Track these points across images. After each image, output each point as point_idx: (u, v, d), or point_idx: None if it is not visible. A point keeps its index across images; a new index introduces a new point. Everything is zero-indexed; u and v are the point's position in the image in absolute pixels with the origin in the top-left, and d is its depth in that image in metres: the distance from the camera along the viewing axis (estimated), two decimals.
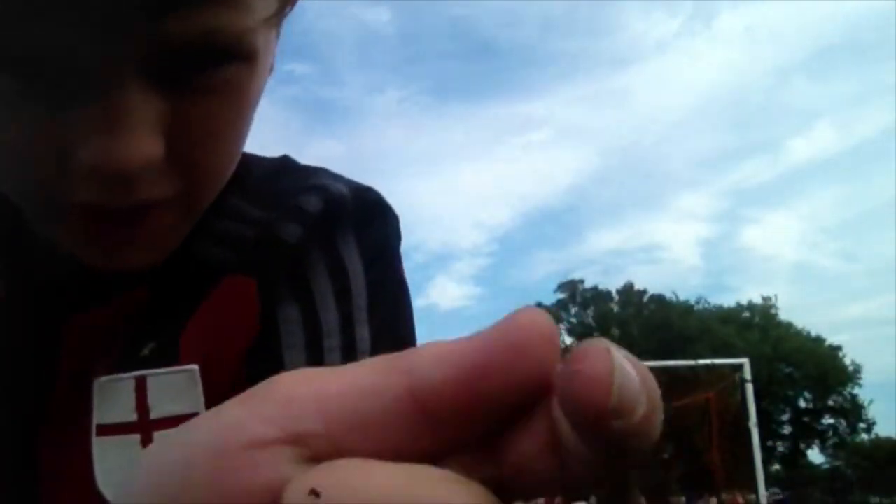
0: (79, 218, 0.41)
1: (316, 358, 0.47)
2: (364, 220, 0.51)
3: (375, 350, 0.48)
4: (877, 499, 26.33)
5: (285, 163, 0.56)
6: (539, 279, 53.04)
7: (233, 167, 0.47)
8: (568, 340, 34.44)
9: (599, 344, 0.16)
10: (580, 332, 33.79)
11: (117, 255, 0.43)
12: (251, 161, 0.54)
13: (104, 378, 0.45)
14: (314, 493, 0.15)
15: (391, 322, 0.51)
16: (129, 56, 0.37)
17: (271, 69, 0.48)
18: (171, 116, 0.39)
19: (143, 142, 0.38)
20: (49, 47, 0.36)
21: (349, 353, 0.47)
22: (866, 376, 32.78)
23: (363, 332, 0.48)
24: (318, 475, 0.15)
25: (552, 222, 54.84)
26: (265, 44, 0.42)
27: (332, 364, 0.46)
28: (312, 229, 0.49)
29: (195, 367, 0.45)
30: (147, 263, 0.44)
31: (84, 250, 0.43)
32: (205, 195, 0.45)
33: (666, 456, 32.06)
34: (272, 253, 0.48)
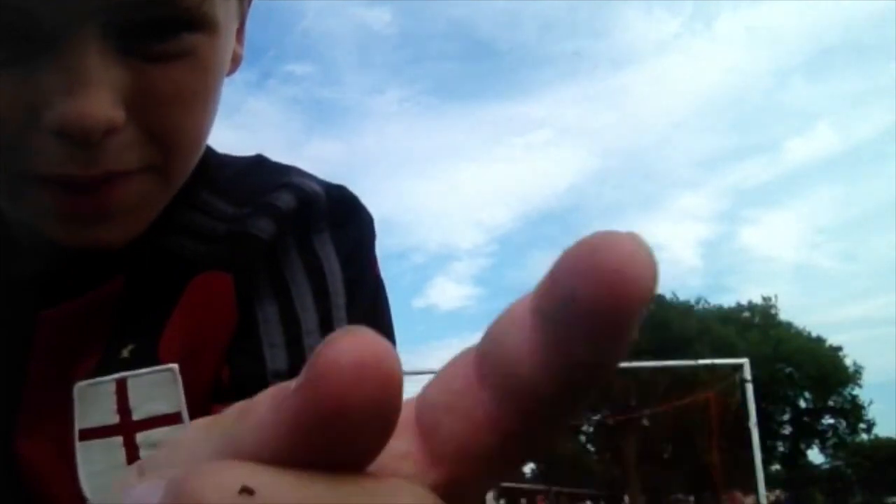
0: (48, 190, 0.41)
1: (297, 356, 0.47)
2: (339, 219, 0.52)
3: None
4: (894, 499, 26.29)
5: (259, 161, 0.56)
6: (539, 279, 52.92)
7: (203, 140, 0.47)
8: None
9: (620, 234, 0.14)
10: None
11: (91, 230, 0.43)
12: (224, 159, 0.55)
13: (84, 382, 0.45)
14: (247, 490, 0.13)
15: (370, 319, 0.51)
16: (87, 18, 0.37)
17: (241, 49, 0.50)
18: (133, 85, 0.40)
19: (104, 104, 0.38)
20: (7, 8, 0.37)
21: None
22: (866, 376, 32.79)
23: None
24: (245, 471, 0.13)
25: (552, 223, 54.82)
26: (225, 14, 0.43)
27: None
28: (285, 226, 0.49)
29: (175, 366, 0.45)
30: (123, 238, 0.44)
31: (56, 226, 0.43)
32: (177, 167, 0.45)
33: (666, 456, 32.06)
34: (246, 248, 0.48)
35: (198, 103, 0.43)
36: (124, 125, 0.40)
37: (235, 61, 0.51)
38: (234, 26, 0.47)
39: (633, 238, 0.14)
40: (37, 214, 0.43)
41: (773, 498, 24.57)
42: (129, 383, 0.45)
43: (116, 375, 0.45)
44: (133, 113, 0.40)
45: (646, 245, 0.14)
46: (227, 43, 0.45)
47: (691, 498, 28.73)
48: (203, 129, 0.46)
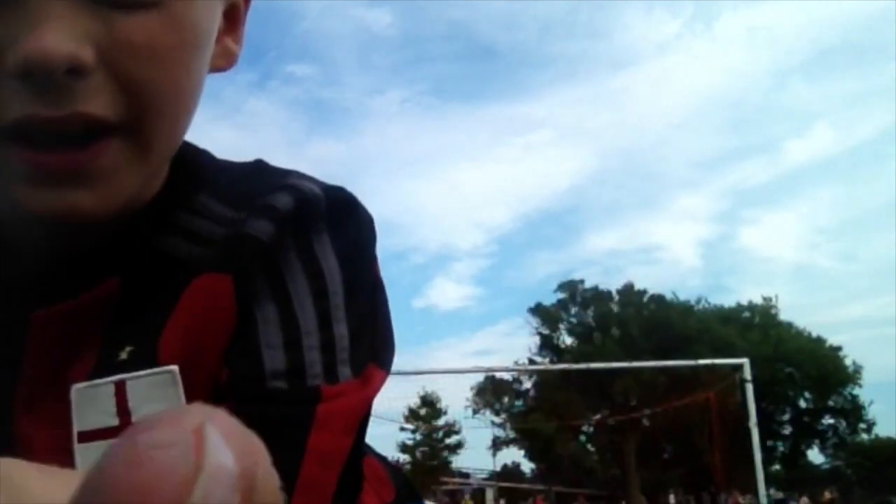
0: (18, 147, 0.40)
1: (296, 357, 0.47)
2: (337, 219, 0.51)
3: (354, 347, 0.48)
4: None
5: (258, 165, 0.56)
6: (539, 279, 53.04)
7: (183, 112, 0.46)
8: (568, 340, 34.47)
9: (183, 419, 0.11)
10: (580, 332, 33.79)
11: (65, 194, 0.42)
12: (223, 164, 0.55)
13: (81, 385, 0.45)
14: None
15: (369, 319, 0.51)
16: None
17: (236, 47, 0.51)
18: (102, 32, 0.40)
19: (66, 39, 0.38)
20: None
21: (328, 352, 0.47)
22: (866, 376, 32.78)
23: (342, 331, 0.48)
24: None
25: (552, 223, 54.88)
26: None
27: (311, 362, 0.47)
28: (284, 227, 0.49)
29: (175, 368, 0.45)
30: (100, 208, 0.43)
31: (29, 191, 0.42)
32: (152, 131, 0.43)
33: (666, 456, 32.04)
34: (246, 250, 0.48)
35: (172, 61, 0.43)
36: (94, 70, 0.40)
37: (228, 58, 0.51)
38: (217, 5, 0.47)
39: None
40: (9, 179, 0.42)
41: (828, 496, 24.35)
42: (129, 385, 0.45)
43: (115, 377, 0.45)
44: (103, 60, 0.40)
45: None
46: (204, 10, 0.45)
47: (691, 498, 28.70)
48: (180, 94, 0.45)
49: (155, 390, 0.45)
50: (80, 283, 0.47)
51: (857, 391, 32.69)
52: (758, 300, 34.96)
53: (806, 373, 31.83)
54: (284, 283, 0.48)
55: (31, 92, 0.39)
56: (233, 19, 0.51)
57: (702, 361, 18.65)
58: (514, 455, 40.44)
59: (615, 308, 33.71)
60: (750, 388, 13.33)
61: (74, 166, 0.41)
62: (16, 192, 0.42)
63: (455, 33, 54.09)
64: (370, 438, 0.52)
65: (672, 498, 28.98)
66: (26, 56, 0.38)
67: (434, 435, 33.55)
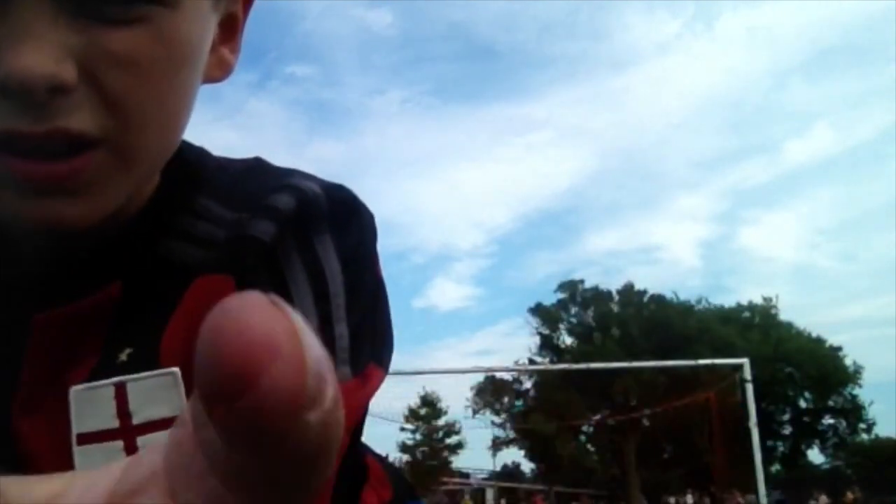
0: (3, 153, 0.40)
1: None
2: (339, 219, 0.51)
3: (354, 347, 0.49)
4: None
5: (257, 164, 0.55)
6: (539, 279, 53.01)
7: (169, 125, 0.46)
8: (568, 340, 34.45)
9: (261, 299, 0.10)
10: (580, 332, 33.77)
11: (51, 204, 0.42)
12: (222, 162, 0.55)
13: (80, 386, 0.45)
14: None
15: (370, 319, 0.51)
16: None
17: (232, 58, 0.51)
18: (85, 47, 0.40)
19: (48, 58, 0.38)
20: None
21: (328, 351, 0.50)
22: (866, 376, 32.76)
23: (342, 330, 0.48)
24: None
25: (552, 223, 54.85)
26: None
27: None
28: (286, 227, 0.49)
29: (176, 369, 0.45)
30: (86, 218, 0.43)
31: (15, 201, 0.42)
32: (133, 143, 0.43)
33: (666, 456, 32.04)
34: (247, 251, 0.48)
35: (156, 75, 0.42)
36: (76, 86, 0.40)
37: (224, 68, 0.51)
38: (209, 17, 0.46)
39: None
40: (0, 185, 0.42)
41: (851, 496, 24.34)
42: (129, 387, 0.45)
43: (115, 379, 0.45)
44: (86, 74, 0.40)
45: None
46: (194, 24, 0.44)
47: (691, 498, 28.69)
48: (165, 107, 0.44)
49: (156, 392, 0.45)
50: (82, 286, 0.47)
51: (857, 391, 32.69)
52: (758, 300, 34.95)
53: (806, 373, 31.81)
54: (286, 283, 0.48)
55: (13, 107, 0.39)
56: (230, 29, 0.50)
57: (702, 361, 18.64)
58: (514, 455, 40.45)
59: (615, 308, 33.67)
60: (750, 388, 13.33)
61: (57, 177, 0.41)
62: (4, 200, 0.42)
63: (455, 34, 54.12)
64: (370, 438, 0.52)
65: (690, 498, 28.87)
66: (7, 75, 0.38)
67: (434, 435, 33.53)
